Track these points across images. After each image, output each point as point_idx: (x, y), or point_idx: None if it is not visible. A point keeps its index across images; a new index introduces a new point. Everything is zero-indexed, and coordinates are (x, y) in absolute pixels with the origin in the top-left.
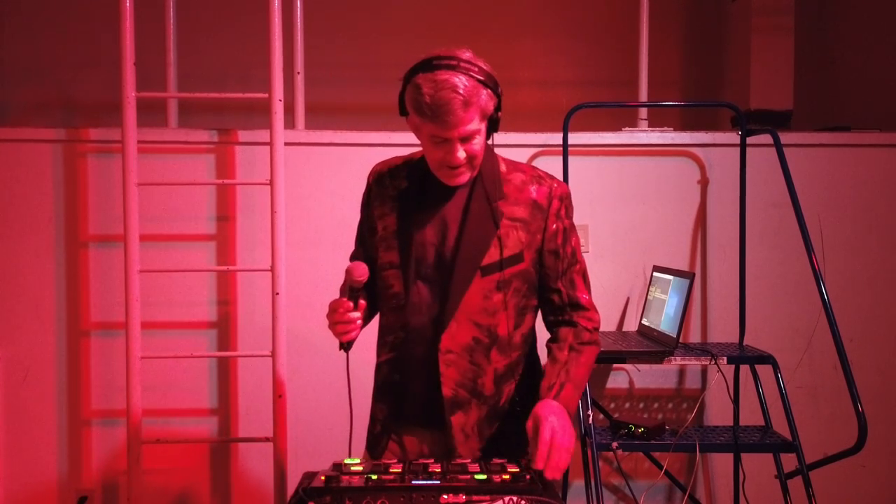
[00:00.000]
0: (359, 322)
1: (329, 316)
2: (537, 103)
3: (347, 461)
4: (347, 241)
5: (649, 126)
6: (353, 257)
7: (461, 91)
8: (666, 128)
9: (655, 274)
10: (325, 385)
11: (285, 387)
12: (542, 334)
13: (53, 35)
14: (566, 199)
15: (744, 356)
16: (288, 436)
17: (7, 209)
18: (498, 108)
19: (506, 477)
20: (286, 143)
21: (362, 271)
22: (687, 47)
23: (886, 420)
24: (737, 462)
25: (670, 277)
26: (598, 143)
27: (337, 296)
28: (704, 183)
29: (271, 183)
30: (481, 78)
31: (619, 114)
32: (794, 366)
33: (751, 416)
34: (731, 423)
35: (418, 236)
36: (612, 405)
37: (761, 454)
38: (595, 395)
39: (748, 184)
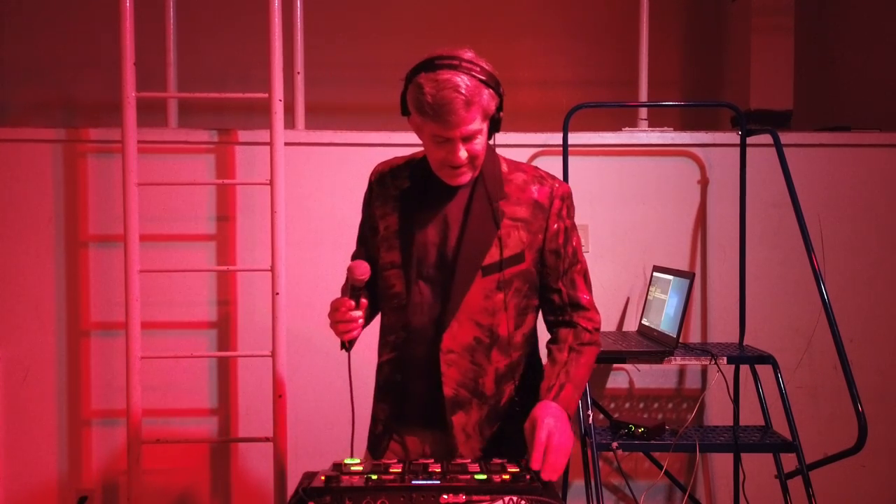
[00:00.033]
0: (360, 321)
1: (331, 315)
2: (537, 103)
3: (347, 461)
4: (347, 241)
5: (649, 126)
6: (355, 257)
7: (463, 91)
8: (666, 128)
9: (655, 274)
10: (325, 385)
11: (285, 387)
12: (544, 334)
13: (53, 35)
14: (567, 199)
15: (744, 356)
16: (288, 436)
17: (7, 209)
18: (500, 107)
19: (506, 477)
20: (286, 143)
21: (364, 270)
22: (687, 47)
23: (886, 420)
24: (737, 462)
25: (670, 277)
26: (598, 143)
27: (337, 295)
28: (704, 183)
29: (271, 183)
30: (483, 78)
31: (619, 114)
32: (794, 366)
33: (751, 416)
34: (731, 423)
35: (420, 236)
36: (612, 405)
37: (761, 454)
38: (595, 395)
39: (748, 184)
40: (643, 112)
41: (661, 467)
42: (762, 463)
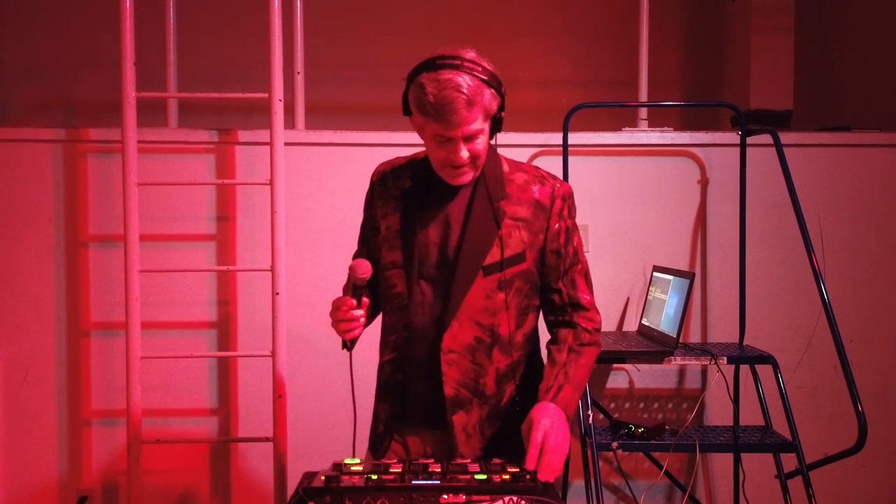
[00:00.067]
0: (362, 320)
1: (332, 314)
2: (537, 103)
3: (347, 461)
4: (347, 241)
5: (649, 126)
6: (356, 257)
7: (465, 90)
8: (666, 128)
9: (655, 274)
10: (325, 385)
11: (285, 387)
12: (545, 334)
13: (53, 35)
14: (569, 199)
15: (744, 356)
16: (288, 436)
17: (7, 209)
18: (501, 107)
19: (506, 477)
20: (286, 143)
21: (365, 269)
22: (687, 47)
23: (886, 420)
24: (737, 462)
25: (670, 277)
26: (598, 143)
27: (337, 295)
28: (704, 183)
29: (271, 183)
30: (485, 78)
31: (619, 114)
32: (794, 366)
33: (751, 416)
34: (731, 423)
35: (421, 236)
36: (612, 405)
37: (761, 454)
38: (595, 395)
39: (748, 184)
40: (643, 112)
41: (661, 467)
42: (762, 463)
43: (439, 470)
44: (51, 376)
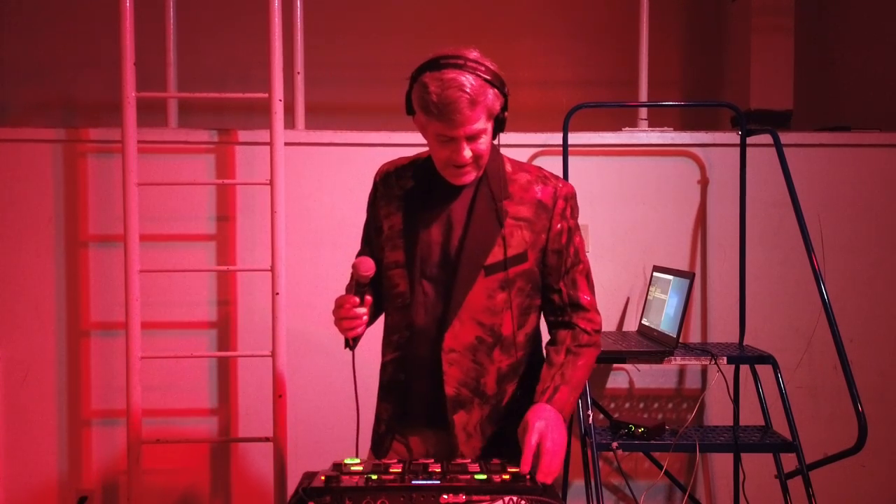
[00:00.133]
0: (365, 318)
1: (335, 312)
2: (537, 103)
3: (347, 461)
4: (347, 241)
5: (649, 126)
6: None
7: (468, 90)
8: (666, 128)
9: (655, 274)
10: (325, 385)
11: (285, 386)
12: (547, 334)
13: (53, 35)
14: (571, 200)
15: (744, 356)
16: (288, 436)
17: (7, 209)
18: (504, 107)
19: (506, 477)
20: (286, 143)
21: (368, 266)
22: (687, 47)
23: (886, 420)
24: (737, 462)
25: (670, 277)
26: (598, 143)
27: (337, 295)
28: (704, 183)
29: (271, 183)
30: (488, 77)
31: (619, 114)
32: (794, 366)
33: (751, 416)
34: (731, 423)
35: (424, 235)
36: (612, 405)
37: (761, 454)
38: (595, 395)
39: (748, 184)
40: (643, 112)
41: (661, 467)
42: (762, 463)
43: (439, 470)
44: (51, 376)
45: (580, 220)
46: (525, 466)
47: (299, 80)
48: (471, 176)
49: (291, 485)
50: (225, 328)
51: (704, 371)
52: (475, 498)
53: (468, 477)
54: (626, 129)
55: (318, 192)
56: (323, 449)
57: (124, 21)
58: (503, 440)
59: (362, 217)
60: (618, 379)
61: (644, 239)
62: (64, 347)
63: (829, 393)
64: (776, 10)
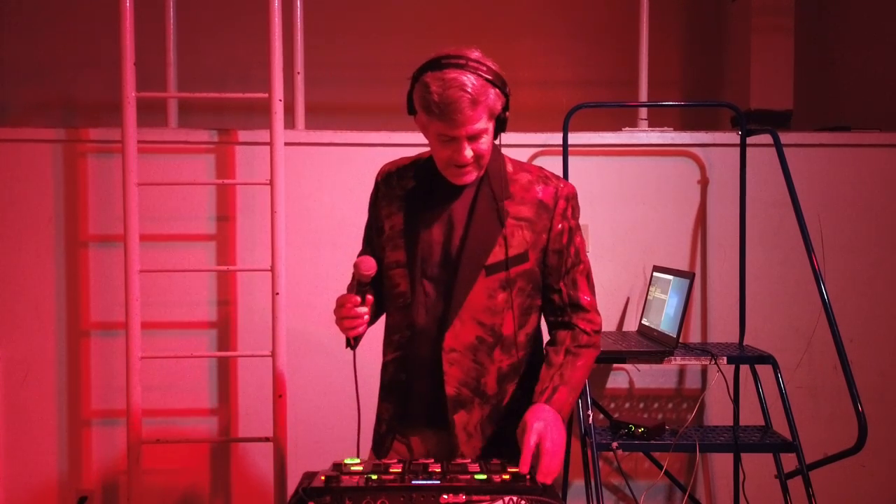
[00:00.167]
0: (366, 317)
1: (336, 311)
2: (537, 103)
3: (347, 461)
4: (347, 241)
5: (649, 126)
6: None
7: (469, 90)
8: (666, 128)
9: (655, 274)
10: (325, 385)
11: (285, 386)
12: (548, 335)
13: (53, 35)
14: (572, 200)
15: (744, 356)
16: (288, 436)
17: (7, 209)
18: (506, 107)
19: (506, 477)
20: (286, 143)
21: (370, 265)
22: (687, 47)
23: (886, 420)
24: (737, 462)
25: (670, 277)
26: (598, 143)
27: (337, 295)
28: (704, 183)
29: (271, 183)
30: (490, 77)
31: (619, 114)
32: (794, 366)
33: (751, 416)
34: (731, 423)
35: (425, 235)
36: (612, 405)
37: (761, 454)
38: (595, 395)
39: (748, 184)
40: (643, 112)
41: (661, 467)
42: (762, 463)
43: (439, 470)
44: (51, 376)
45: (580, 220)
46: (524, 467)
47: (299, 80)
48: (472, 176)
49: (291, 485)
50: (225, 328)
51: (704, 371)
52: (475, 498)
53: (468, 477)
54: (626, 129)
55: (318, 192)
56: (323, 449)
57: (124, 21)
58: (504, 440)
59: (362, 217)
60: (618, 379)
61: (644, 239)
62: (64, 347)
63: (829, 393)
64: (776, 10)
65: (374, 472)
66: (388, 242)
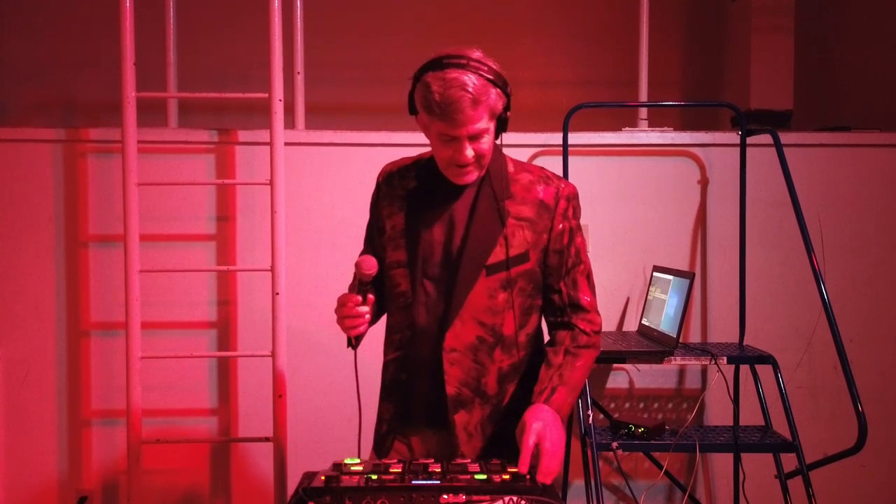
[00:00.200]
0: (367, 317)
1: (337, 310)
2: (537, 103)
3: (348, 461)
4: (347, 241)
5: (649, 126)
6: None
7: (470, 89)
8: (666, 128)
9: (655, 274)
10: (325, 385)
11: (285, 386)
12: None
13: (53, 35)
14: (573, 200)
15: (744, 356)
16: (288, 436)
17: (7, 209)
18: (507, 107)
19: (506, 477)
20: (286, 143)
21: (371, 264)
22: (687, 47)
23: (886, 420)
24: (737, 462)
25: (670, 277)
26: (598, 143)
27: (337, 294)
28: (704, 183)
29: (271, 183)
30: (491, 77)
31: (619, 114)
32: (794, 366)
33: (751, 416)
34: (731, 423)
35: (426, 235)
36: (612, 405)
37: (761, 454)
38: (595, 395)
39: (748, 184)
40: (643, 112)
41: (661, 467)
42: (762, 463)
43: (439, 470)
44: (51, 376)
45: (581, 221)
46: (522, 467)
47: (299, 80)
48: (473, 175)
49: (291, 485)
50: (225, 328)
51: (704, 371)
52: (475, 498)
53: (468, 477)
54: (626, 129)
55: (318, 192)
56: (323, 449)
57: (124, 21)
58: (504, 440)
59: (362, 217)
60: (618, 379)
61: (644, 239)
62: (64, 347)
63: (829, 393)
64: (776, 10)
65: (373, 472)
66: (390, 242)
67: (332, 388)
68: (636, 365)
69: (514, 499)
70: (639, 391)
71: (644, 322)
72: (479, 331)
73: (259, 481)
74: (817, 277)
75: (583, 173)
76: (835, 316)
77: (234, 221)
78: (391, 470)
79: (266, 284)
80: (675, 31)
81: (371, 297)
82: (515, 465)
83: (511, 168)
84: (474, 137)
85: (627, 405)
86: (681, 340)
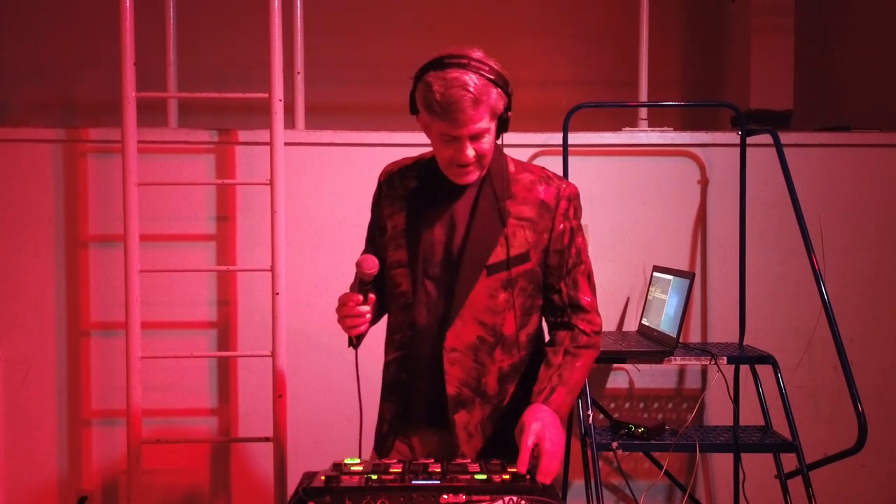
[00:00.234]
0: (368, 316)
1: (338, 310)
2: (537, 103)
3: (348, 461)
4: (347, 241)
5: (649, 126)
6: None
7: (471, 89)
8: (666, 128)
9: (655, 274)
10: (325, 385)
11: (285, 386)
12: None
13: (53, 35)
14: (574, 200)
15: (744, 356)
16: (288, 436)
17: (7, 209)
18: (508, 107)
19: (506, 477)
20: (286, 143)
21: (372, 264)
22: (687, 47)
23: (886, 420)
24: (737, 462)
25: (670, 277)
26: (598, 143)
27: (337, 294)
28: (704, 183)
29: (271, 183)
30: (492, 77)
31: (619, 114)
32: (794, 366)
33: (751, 416)
34: (731, 423)
35: (427, 235)
36: (612, 405)
37: (761, 454)
38: (595, 395)
39: (748, 184)
40: (643, 112)
41: (661, 467)
42: (762, 463)
43: (439, 470)
44: (51, 376)
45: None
46: (521, 468)
47: (299, 80)
48: (474, 175)
49: (291, 485)
50: (225, 328)
51: (704, 371)
52: (475, 498)
53: (468, 477)
54: (626, 129)
55: (318, 192)
56: (323, 449)
57: (124, 21)
58: (504, 440)
59: (362, 217)
60: (618, 379)
61: (644, 239)
62: (64, 347)
63: (829, 393)
64: (776, 10)
65: (373, 472)
66: (391, 242)
67: (332, 388)
68: (636, 365)
69: (514, 499)
70: (639, 391)
71: (644, 322)
72: (480, 331)
73: (259, 481)
74: (817, 277)
75: (583, 173)
76: (835, 316)
77: (234, 221)
78: (391, 470)
79: (266, 284)
80: (675, 31)
81: (372, 296)
82: (515, 466)
83: (512, 168)
84: (475, 137)
85: (627, 405)
86: (681, 340)
